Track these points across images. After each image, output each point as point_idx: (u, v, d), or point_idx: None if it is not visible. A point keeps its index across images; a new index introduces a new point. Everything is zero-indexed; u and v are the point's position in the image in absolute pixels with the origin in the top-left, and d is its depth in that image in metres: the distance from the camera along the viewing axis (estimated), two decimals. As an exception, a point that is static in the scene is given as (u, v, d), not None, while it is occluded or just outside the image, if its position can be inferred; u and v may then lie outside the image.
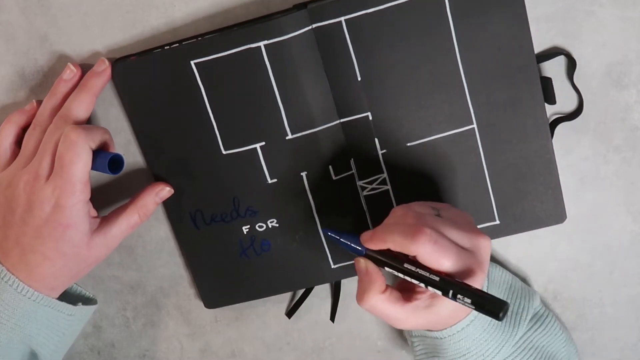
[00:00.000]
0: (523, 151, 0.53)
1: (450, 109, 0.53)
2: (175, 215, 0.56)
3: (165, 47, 0.52)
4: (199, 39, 0.51)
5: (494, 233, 0.56)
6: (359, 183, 0.55)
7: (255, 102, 0.52)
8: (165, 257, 0.59)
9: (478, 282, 0.45)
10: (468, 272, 0.45)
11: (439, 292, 0.45)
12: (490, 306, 0.43)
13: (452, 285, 0.44)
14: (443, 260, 0.45)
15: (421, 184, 0.54)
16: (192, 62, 0.51)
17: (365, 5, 0.50)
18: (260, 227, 0.56)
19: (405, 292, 0.48)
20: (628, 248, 0.58)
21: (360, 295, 0.48)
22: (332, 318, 0.60)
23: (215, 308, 0.59)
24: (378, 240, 0.48)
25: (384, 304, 0.47)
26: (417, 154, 0.54)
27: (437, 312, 0.47)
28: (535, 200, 0.55)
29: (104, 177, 0.56)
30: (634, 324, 0.60)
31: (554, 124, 0.54)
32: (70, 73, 0.52)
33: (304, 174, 0.54)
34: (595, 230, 0.57)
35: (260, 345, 0.62)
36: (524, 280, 0.59)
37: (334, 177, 0.54)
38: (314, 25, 0.50)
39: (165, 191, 0.54)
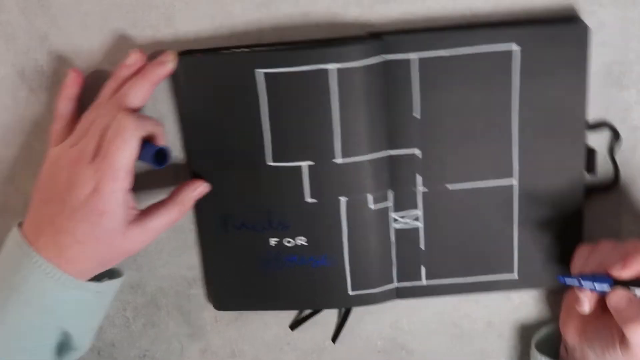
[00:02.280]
0: (555, 214, 0.54)
1: (495, 160, 0.53)
2: (204, 215, 0.56)
3: (234, 50, 0.52)
4: (270, 49, 0.51)
5: (509, 286, 0.57)
6: (393, 215, 0.55)
7: (312, 121, 0.52)
8: (165, 257, 0.59)
9: None
10: None
11: None
12: None
13: None
14: None
15: (450, 227, 0.55)
16: (258, 71, 0.51)
17: (439, 46, 0.51)
18: (289, 242, 0.56)
19: None
20: (628, 248, 0.58)
21: (626, 326, 0.45)
22: (334, 339, 0.60)
23: (223, 311, 0.59)
24: (632, 264, 0.46)
25: None
26: (455, 198, 0.54)
27: None
28: (556, 263, 0.56)
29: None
30: (634, 324, 0.60)
31: (588, 193, 0.55)
32: (134, 58, 0.51)
33: (343, 198, 0.54)
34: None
35: (260, 345, 0.62)
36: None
37: (372, 207, 0.54)
38: (386, 57, 0.51)
39: (202, 187, 0.54)
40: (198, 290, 0.60)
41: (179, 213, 0.53)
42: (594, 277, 0.48)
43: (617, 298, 0.47)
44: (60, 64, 0.54)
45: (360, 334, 0.61)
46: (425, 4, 0.52)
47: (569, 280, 0.50)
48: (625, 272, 0.47)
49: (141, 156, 0.49)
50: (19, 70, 0.55)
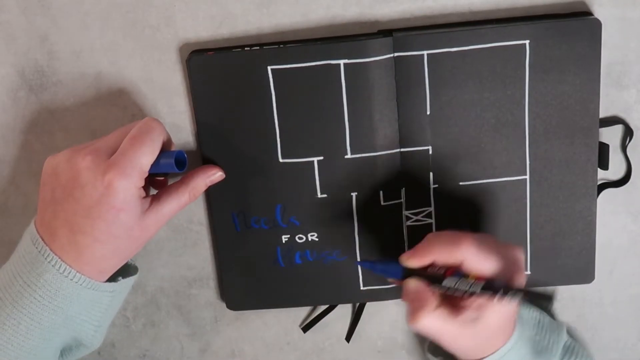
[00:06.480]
0: (567, 209, 0.55)
1: (508, 156, 0.53)
2: (218, 213, 0.56)
3: (245, 49, 0.52)
4: (281, 46, 0.51)
5: None
6: (405, 212, 0.55)
7: (322, 116, 0.53)
8: (165, 257, 0.59)
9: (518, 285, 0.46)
10: (509, 277, 0.46)
11: (490, 293, 0.45)
12: (538, 297, 0.44)
13: (498, 283, 0.45)
14: (488, 262, 0.46)
15: (464, 223, 0.55)
16: (269, 68, 0.52)
17: (450, 43, 0.51)
18: (300, 238, 0.56)
19: (450, 308, 0.47)
20: (628, 248, 0.58)
21: (413, 315, 0.47)
22: (348, 338, 0.60)
23: (237, 310, 0.59)
24: (421, 254, 0.48)
25: (437, 321, 0.47)
26: (467, 194, 0.55)
27: (486, 323, 0.47)
28: (569, 258, 0.56)
29: None
30: (634, 324, 0.60)
31: (599, 188, 0.55)
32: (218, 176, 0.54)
33: (354, 194, 0.54)
34: (596, 230, 0.57)
35: (260, 345, 0.62)
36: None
37: (382, 203, 0.54)
38: (396, 54, 0.51)
39: (217, 175, 0.54)
40: (198, 290, 0.60)
41: (189, 198, 0.52)
42: (388, 265, 0.50)
43: (407, 286, 0.48)
44: (60, 64, 0.54)
45: (360, 334, 0.61)
46: (426, 3, 0.52)
47: (364, 265, 0.54)
48: (413, 261, 0.48)
49: (158, 161, 0.49)
50: (19, 70, 0.55)
